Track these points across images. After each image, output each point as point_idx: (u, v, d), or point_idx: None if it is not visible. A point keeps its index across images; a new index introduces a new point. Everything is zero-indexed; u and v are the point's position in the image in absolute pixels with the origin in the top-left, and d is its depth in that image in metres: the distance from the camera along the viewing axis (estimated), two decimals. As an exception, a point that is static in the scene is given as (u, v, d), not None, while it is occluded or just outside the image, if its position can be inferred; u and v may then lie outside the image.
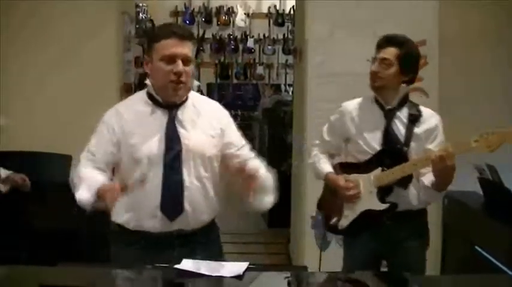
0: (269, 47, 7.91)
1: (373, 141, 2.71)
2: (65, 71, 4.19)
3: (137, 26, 6.20)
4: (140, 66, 6.62)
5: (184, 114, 2.34)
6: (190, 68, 2.30)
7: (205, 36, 8.26)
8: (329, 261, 3.22)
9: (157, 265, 2.21)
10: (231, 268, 2.06)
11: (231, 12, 7.97)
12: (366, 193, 2.70)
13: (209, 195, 2.35)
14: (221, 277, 2.02)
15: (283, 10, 7.94)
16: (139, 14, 6.82)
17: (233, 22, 7.91)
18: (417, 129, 2.68)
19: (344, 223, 2.77)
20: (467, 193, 3.91)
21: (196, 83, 7.70)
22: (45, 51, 4.20)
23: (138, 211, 2.29)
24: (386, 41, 2.71)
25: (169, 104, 2.33)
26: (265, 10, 8.02)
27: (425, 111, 2.74)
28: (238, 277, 2.03)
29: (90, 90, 4.18)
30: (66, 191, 3.58)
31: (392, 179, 2.64)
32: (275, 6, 7.97)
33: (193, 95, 2.42)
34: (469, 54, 4.21)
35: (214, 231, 2.46)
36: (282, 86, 7.93)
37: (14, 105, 4.16)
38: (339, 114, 2.86)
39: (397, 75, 2.68)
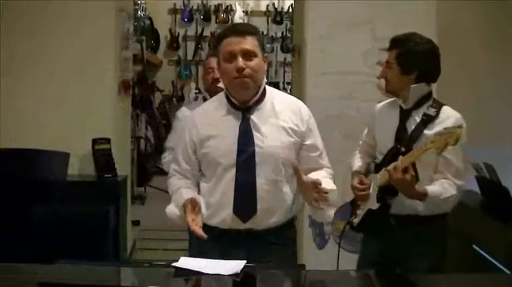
0: (267, 45, 7.90)
1: (388, 141, 2.70)
2: (63, 68, 4.18)
3: (135, 24, 6.19)
4: (138, 63, 6.62)
5: (260, 115, 2.32)
6: (256, 63, 2.26)
7: (204, 34, 8.25)
8: (328, 260, 3.23)
9: (156, 262, 2.21)
10: (229, 266, 2.06)
11: (229, 10, 7.96)
12: (373, 193, 2.70)
13: (283, 196, 2.34)
14: (219, 275, 2.01)
15: (282, 8, 7.93)
16: (137, 12, 6.81)
17: (232, 20, 7.89)
18: (427, 131, 2.59)
19: (356, 220, 2.79)
20: (464, 192, 3.91)
21: (193, 85, 7.69)
22: (43, 49, 4.18)
23: (211, 209, 2.32)
24: (391, 43, 2.70)
25: (243, 104, 2.32)
26: (263, 8, 8.02)
27: (444, 112, 2.64)
28: (236, 275, 2.02)
29: (88, 87, 4.18)
30: (65, 188, 3.60)
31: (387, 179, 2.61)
32: (273, 4, 7.97)
33: (273, 94, 2.39)
34: (467, 51, 4.21)
35: (289, 232, 2.43)
36: (281, 84, 7.92)
37: (13, 103, 4.15)
38: (371, 115, 2.89)
39: (399, 75, 2.65)
